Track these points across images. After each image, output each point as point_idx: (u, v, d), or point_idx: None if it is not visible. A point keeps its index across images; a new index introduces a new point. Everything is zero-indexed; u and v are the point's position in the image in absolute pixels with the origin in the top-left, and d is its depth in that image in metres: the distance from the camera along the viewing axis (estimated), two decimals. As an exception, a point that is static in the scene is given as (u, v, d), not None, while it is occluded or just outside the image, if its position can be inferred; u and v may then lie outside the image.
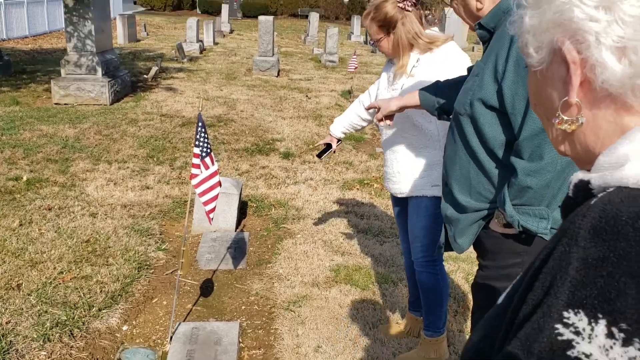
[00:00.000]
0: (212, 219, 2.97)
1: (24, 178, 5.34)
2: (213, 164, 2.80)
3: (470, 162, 1.83)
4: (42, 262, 3.59)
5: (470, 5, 1.75)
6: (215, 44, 20.26)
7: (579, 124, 0.69)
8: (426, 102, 2.24)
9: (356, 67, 11.22)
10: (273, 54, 13.35)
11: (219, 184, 2.81)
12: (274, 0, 41.79)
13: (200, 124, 2.75)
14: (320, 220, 4.72)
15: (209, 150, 2.78)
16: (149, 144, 6.83)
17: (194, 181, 2.78)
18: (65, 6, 8.48)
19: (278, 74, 13.23)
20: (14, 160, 5.92)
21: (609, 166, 0.64)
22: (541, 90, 0.74)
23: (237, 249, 4.16)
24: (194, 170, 2.77)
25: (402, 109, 2.34)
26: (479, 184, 1.83)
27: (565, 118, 0.70)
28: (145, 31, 23.21)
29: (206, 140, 2.77)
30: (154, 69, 11.85)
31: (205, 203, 2.82)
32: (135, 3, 39.84)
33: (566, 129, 0.71)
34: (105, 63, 8.95)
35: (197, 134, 2.76)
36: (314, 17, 24.06)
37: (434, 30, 2.63)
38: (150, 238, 4.17)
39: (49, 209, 4.60)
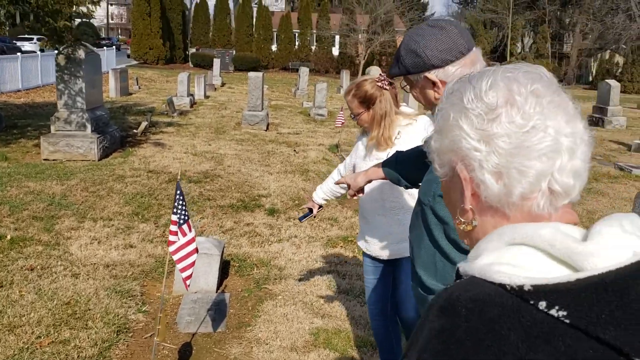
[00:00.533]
0: (189, 285, 3.00)
1: (8, 237, 5.36)
2: (190, 230, 2.86)
3: (435, 250, 1.86)
4: (21, 326, 3.58)
5: (428, 95, 1.80)
6: (207, 97, 20.61)
7: (473, 225, 0.86)
8: (390, 175, 2.33)
9: (343, 122, 11.44)
10: (262, 109, 13.60)
11: (196, 250, 2.86)
12: (265, 54, 42.75)
13: (178, 191, 2.82)
14: (302, 280, 4.74)
15: (186, 218, 2.85)
16: (135, 200, 6.88)
17: (172, 248, 2.83)
18: (57, 64, 8.68)
19: (267, 128, 13.44)
20: (-2, 218, 5.95)
21: (472, 258, 0.80)
22: (449, 195, 0.92)
23: (218, 310, 4.17)
24: (172, 237, 2.83)
25: (370, 181, 2.42)
26: (445, 271, 1.87)
27: (462, 220, 0.87)
28: (138, 85, 23.61)
29: (184, 207, 2.84)
30: (144, 124, 12.01)
31: (182, 270, 2.86)
32: (129, 57, 40.62)
33: (464, 228, 0.87)
34: (95, 119, 9.09)
35: (175, 201, 2.83)
36: (304, 71, 24.58)
37: (406, 107, 2.97)
38: (131, 300, 4.18)
39: (31, 269, 4.60)
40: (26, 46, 32.65)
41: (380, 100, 2.79)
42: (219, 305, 4.26)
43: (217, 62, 28.35)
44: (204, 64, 37.88)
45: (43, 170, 7.97)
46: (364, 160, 2.95)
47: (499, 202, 0.82)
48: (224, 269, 4.98)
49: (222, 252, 4.72)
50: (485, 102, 0.83)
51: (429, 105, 1.90)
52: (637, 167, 10.06)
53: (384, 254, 2.88)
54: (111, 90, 20.01)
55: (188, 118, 14.77)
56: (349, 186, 2.44)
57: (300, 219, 3.25)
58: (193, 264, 2.86)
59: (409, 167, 2.24)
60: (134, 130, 11.98)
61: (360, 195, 2.56)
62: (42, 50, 17.45)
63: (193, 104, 17.90)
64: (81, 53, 8.73)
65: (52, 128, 8.91)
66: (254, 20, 43.31)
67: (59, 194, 6.91)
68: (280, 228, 6.22)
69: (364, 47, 40.87)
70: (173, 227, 2.81)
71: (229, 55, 40.33)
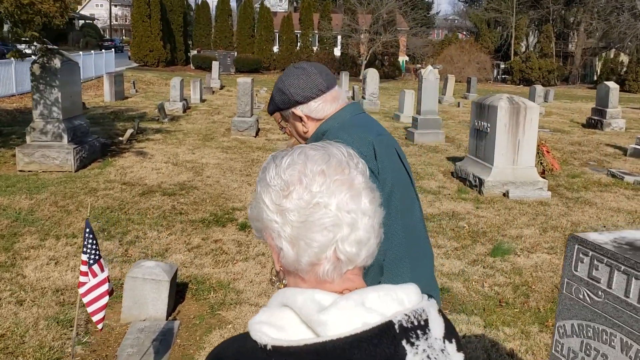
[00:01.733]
0: (102, 328, 2.80)
1: (-39, 258, 5.19)
2: (103, 270, 2.66)
3: None
4: (-57, 364, 3.40)
5: (298, 129, 1.97)
6: (203, 101, 20.44)
7: (284, 284, 0.99)
8: None
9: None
10: (252, 115, 13.41)
11: (108, 292, 2.67)
12: (267, 56, 42.56)
13: (87, 229, 2.63)
14: (258, 306, 4.54)
15: (97, 257, 2.65)
16: (104, 215, 6.70)
17: (81, 290, 2.64)
18: (32, 74, 8.52)
19: (257, 134, 13.25)
20: (-42, 236, 5.78)
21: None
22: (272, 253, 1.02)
23: (163, 341, 3.97)
24: (82, 278, 2.64)
25: None
26: None
27: (275, 279, 1.03)
28: (135, 88, 23.46)
29: (94, 246, 2.64)
30: (129, 131, 11.85)
31: (93, 313, 2.67)
32: (130, 58, 40.55)
33: (277, 286, 1.00)
34: (72, 129, 8.92)
35: (84, 239, 2.63)
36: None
37: None
38: (72, 330, 3.99)
39: (-25, 296, 4.43)
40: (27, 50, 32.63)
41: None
42: (165, 334, 4.06)
43: (215, 65, 28.16)
44: (205, 66, 37.72)
45: (15, 183, 7.81)
46: None
47: (293, 267, 0.95)
48: (181, 292, 4.79)
49: (175, 276, 4.52)
50: (282, 180, 0.95)
51: (300, 139, 2.04)
52: (629, 174, 9.78)
53: None
54: (105, 94, 19.88)
55: (178, 124, 14.60)
56: None
57: None
58: (105, 306, 2.67)
59: None
60: (120, 138, 11.82)
61: None
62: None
63: (187, 108, 17.73)
64: (57, 62, 8.56)
65: (28, 139, 8.75)
66: (256, 21, 43.13)
67: (26, 209, 6.74)
68: (249, 245, 6.01)
69: (366, 48, 40.60)
70: (83, 268, 2.61)
71: (231, 57, 40.18)
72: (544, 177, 8.92)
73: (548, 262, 5.81)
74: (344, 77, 25.81)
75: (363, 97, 20.01)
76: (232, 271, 5.27)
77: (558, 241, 6.47)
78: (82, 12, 68.76)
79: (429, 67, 13.51)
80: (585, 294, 2.36)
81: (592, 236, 2.44)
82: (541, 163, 9.37)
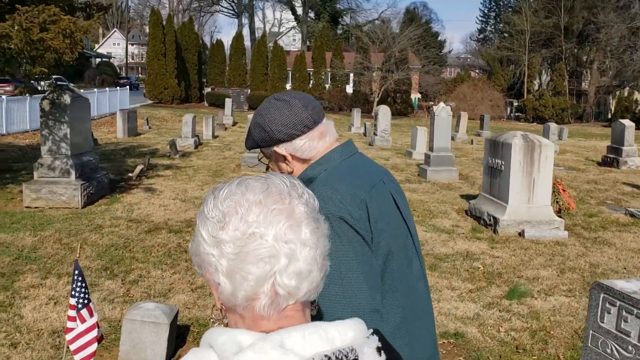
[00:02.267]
0: (88, 380, 2.61)
1: (-42, 297, 5.04)
2: (92, 316, 2.50)
3: None
4: None
5: (282, 168, 1.77)
6: (215, 137, 20.50)
7: (225, 323, 0.95)
8: None
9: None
10: (262, 151, 13.34)
11: (97, 339, 2.49)
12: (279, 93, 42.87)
13: (77, 271, 2.47)
14: (262, 351, 4.32)
15: (86, 302, 2.49)
16: (108, 254, 6.55)
17: (69, 336, 2.47)
18: (42, 110, 8.53)
19: (267, 169, 13.10)
20: (-42, 273, 5.65)
21: None
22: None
23: (160, 389, 3.76)
24: (70, 324, 2.47)
25: None
26: None
27: (215, 318, 1.03)
28: (148, 125, 23.64)
29: (83, 290, 2.48)
30: (139, 168, 11.80)
31: (79, 363, 2.48)
32: (144, 96, 41.10)
33: (217, 325, 0.97)
34: (80, 165, 8.87)
35: (73, 282, 2.47)
36: (314, 110, 24.44)
37: None
38: (64, 375, 3.79)
39: (-32, 338, 4.26)
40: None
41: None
42: (163, 382, 3.85)
43: (228, 102, 28.39)
44: (219, 103, 38.06)
45: (20, 220, 7.71)
46: None
47: (231, 303, 0.91)
48: (183, 335, 4.59)
49: (176, 318, 4.33)
50: (220, 211, 0.92)
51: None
52: (649, 214, 9.50)
53: None
54: (118, 131, 20.02)
55: (189, 160, 14.56)
56: None
57: None
58: (93, 354, 2.49)
59: None
60: (129, 174, 11.77)
61: None
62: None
63: (198, 144, 17.76)
64: (66, 98, 8.56)
65: (35, 174, 8.70)
66: (269, 59, 43.68)
67: (29, 247, 6.62)
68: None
69: (378, 85, 40.83)
70: (71, 312, 2.45)
71: (244, 95, 40.59)
72: (559, 216, 8.67)
73: (567, 306, 5.54)
74: (356, 113, 25.86)
75: (375, 134, 19.95)
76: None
77: (576, 283, 6.20)
78: (99, 50, 70.31)
79: (441, 104, 13.43)
80: (614, 349, 2.14)
81: (619, 284, 2.23)
82: (557, 202, 9.13)
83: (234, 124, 27.14)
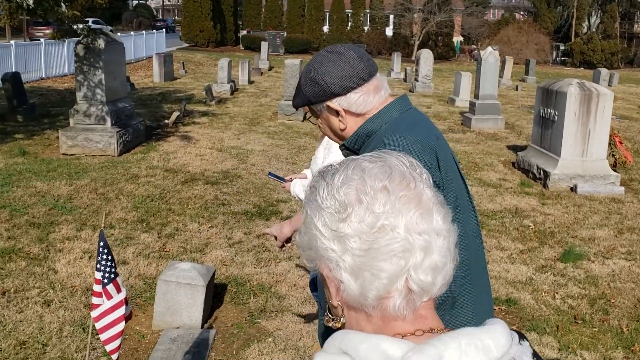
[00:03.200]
0: (117, 359, 2.41)
1: (-6, 249, 4.96)
2: (119, 291, 2.27)
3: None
4: (-44, 377, 3.12)
5: (333, 125, 1.65)
6: (251, 82, 20.11)
7: (342, 323, 0.86)
8: None
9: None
10: (299, 98, 12.95)
11: (124, 318, 2.27)
12: (317, 36, 41.94)
13: (102, 243, 2.23)
14: (302, 316, 4.11)
15: (112, 276, 2.25)
16: (144, 205, 6.40)
17: (94, 313, 2.25)
18: (76, 55, 8.29)
19: (304, 119, 12.74)
20: (-5, 224, 5.58)
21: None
22: (323, 290, 0.91)
23: (197, 354, 3.59)
24: (95, 300, 2.25)
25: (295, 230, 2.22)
26: None
27: (331, 317, 0.87)
28: (184, 69, 23.35)
29: (110, 262, 2.24)
30: (175, 114, 11.59)
31: (106, 342, 2.27)
32: (180, 39, 40.70)
33: (333, 325, 0.86)
34: (116, 112, 8.68)
35: (98, 254, 2.24)
36: (352, 54, 23.73)
37: None
38: (97, 339, 3.65)
39: (3, 294, 4.16)
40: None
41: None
42: (199, 346, 3.69)
43: (264, 46, 27.80)
44: (255, 47, 37.41)
45: (55, 168, 7.61)
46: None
47: (357, 302, 0.82)
48: (219, 294, 4.41)
49: (212, 279, 4.13)
50: (337, 200, 0.82)
51: (335, 137, 1.73)
52: None
53: None
54: (155, 75, 19.80)
55: (225, 107, 14.29)
56: (275, 237, 2.28)
57: (270, 174, 3.20)
58: (120, 334, 2.27)
59: None
60: (166, 121, 11.58)
61: (288, 245, 2.50)
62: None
63: (234, 90, 17.42)
64: (101, 42, 8.29)
65: (71, 121, 8.56)
66: (306, 1, 42.47)
67: (65, 196, 6.51)
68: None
69: (419, 27, 39.42)
70: (97, 287, 2.22)
71: (280, 38, 39.74)
72: (615, 171, 8.14)
73: (627, 271, 5.15)
74: (396, 58, 24.99)
75: (416, 79, 19.26)
76: (274, 272, 4.85)
77: (636, 245, 5.79)
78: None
79: (489, 49, 12.69)
80: None
81: None
82: (613, 155, 8.57)
83: (270, 68, 26.62)
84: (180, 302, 3.89)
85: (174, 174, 7.64)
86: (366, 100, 1.59)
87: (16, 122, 10.70)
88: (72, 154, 8.38)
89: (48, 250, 5.06)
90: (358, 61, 1.59)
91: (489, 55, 12.47)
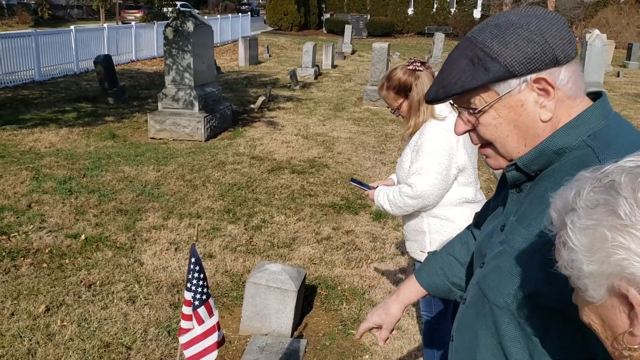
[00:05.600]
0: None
1: (82, 237, 4.89)
2: (211, 315, 1.96)
3: None
4: (40, 380, 2.97)
5: (529, 113, 1.10)
6: (334, 66, 19.78)
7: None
8: (438, 289, 1.63)
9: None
10: (387, 83, 12.45)
11: (217, 345, 1.97)
12: (400, 19, 40.92)
13: (193, 259, 1.93)
14: (400, 330, 3.72)
15: (204, 297, 1.95)
16: (230, 193, 6.21)
17: (183, 339, 1.96)
18: (165, 38, 8.21)
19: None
20: (84, 209, 5.54)
21: None
22: (602, 318, 0.77)
23: (286, 367, 3.30)
24: (184, 324, 1.96)
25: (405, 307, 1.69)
26: None
27: (628, 346, 0.74)
28: (268, 53, 23.32)
29: (202, 282, 1.94)
30: (261, 99, 11.42)
31: (196, 373, 1.98)
32: (265, 22, 40.91)
33: (629, 355, 0.75)
34: (204, 97, 8.57)
35: (189, 272, 1.94)
36: (439, 37, 22.85)
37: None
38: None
39: (89, 286, 4.04)
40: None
41: (416, 85, 2.55)
42: (289, 357, 3.39)
43: (348, 29, 27.29)
44: (338, 30, 37.00)
45: (144, 152, 7.58)
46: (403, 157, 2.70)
47: None
48: (308, 297, 4.11)
49: (303, 282, 3.82)
50: None
51: (505, 148, 1.14)
52: None
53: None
54: (240, 59, 19.84)
55: (309, 92, 14.02)
56: (379, 326, 1.67)
57: (352, 181, 2.91)
58: (212, 363, 1.97)
59: (463, 264, 1.57)
60: (251, 106, 11.45)
61: (394, 333, 2.01)
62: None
63: (318, 75, 17.14)
64: (190, 25, 8.16)
65: (160, 105, 8.52)
66: (391, -18, 41.47)
67: (152, 182, 6.43)
68: (384, 240, 5.20)
69: (510, 9, 37.54)
70: (186, 310, 1.93)
71: (363, 20, 39.07)
72: None
73: None
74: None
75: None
76: (367, 275, 4.49)
77: None
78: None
79: (596, 32, 11.67)
80: None
81: None
82: None
83: (353, 52, 26.15)
84: (269, 307, 3.61)
85: (260, 162, 7.42)
86: (577, 85, 1.08)
87: (107, 105, 10.89)
88: (160, 138, 8.36)
89: (134, 240, 4.94)
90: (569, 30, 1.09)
91: (596, 38, 11.46)
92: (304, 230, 5.37)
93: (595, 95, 1.14)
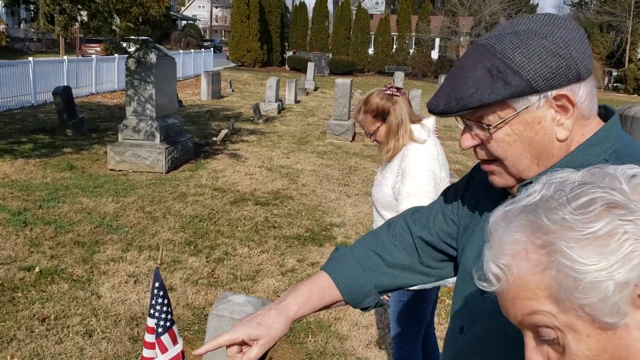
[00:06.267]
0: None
1: (37, 269, 4.68)
2: (175, 343, 1.87)
3: None
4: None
5: (545, 132, 1.01)
6: (297, 102, 19.93)
7: None
8: (353, 292, 1.31)
9: (436, 131, 10.18)
10: (349, 118, 12.59)
11: (182, 375, 1.87)
12: (361, 58, 41.76)
13: (157, 283, 1.84)
14: (367, 360, 3.65)
15: (168, 324, 1.86)
16: (191, 225, 6.08)
17: (146, 368, 1.85)
18: (127, 69, 8.12)
19: (353, 139, 12.41)
20: (39, 241, 5.33)
21: None
22: (610, 345, 0.66)
23: (251, 402, 3.17)
24: (146, 353, 1.85)
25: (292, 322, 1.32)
26: None
27: None
28: (231, 87, 23.36)
29: (165, 308, 1.85)
30: (223, 132, 11.36)
31: (160, 404, 1.87)
32: (228, 59, 41.11)
33: None
34: (165, 128, 8.46)
35: (152, 297, 1.85)
36: (399, 75, 23.43)
37: (423, 124, 2.68)
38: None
39: (43, 320, 3.84)
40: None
41: (394, 109, 2.61)
42: (254, 392, 3.26)
43: (311, 66, 27.66)
44: (300, 67, 37.47)
45: (103, 184, 7.39)
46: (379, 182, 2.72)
47: None
48: (273, 330, 3.99)
49: (268, 314, 3.72)
50: None
51: (517, 167, 1.04)
52: None
53: None
54: (202, 93, 19.79)
55: (273, 125, 14.04)
56: (251, 342, 1.24)
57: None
58: (176, 394, 1.87)
59: (390, 265, 1.33)
60: (214, 138, 11.37)
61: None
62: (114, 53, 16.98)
63: (281, 109, 17.21)
64: (152, 57, 8.11)
65: (120, 136, 8.36)
66: (352, 23, 42.44)
67: (111, 214, 6.25)
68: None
69: (466, 51, 38.81)
70: (148, 337, 1.83)
71: (325, 59, 39.71)
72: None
73: None
74: (442, 79, 24.45)
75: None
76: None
77: None
78: (185, 13, 71.24)
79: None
80: None
81: None
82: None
83: (316, 88, 26.45)
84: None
85: (222, 193, 7.32)
86: (592, 103, 1.01)
87: (65, 136, 10.63)
88: (120, 170, 8.17)
89: (92, 272, 4.75)
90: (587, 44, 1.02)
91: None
92: (268, 263, 5.28)
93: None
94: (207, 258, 5.27)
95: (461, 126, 1.10)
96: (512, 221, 0.71)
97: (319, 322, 4.14)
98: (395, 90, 2.65)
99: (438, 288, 2.78)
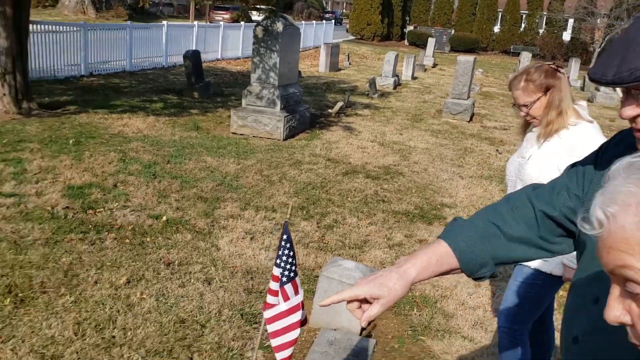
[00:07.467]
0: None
1: (164, 218, 5.08)
2: (297, 293, 1.99)
3: None
4: (120, 345, 3.09)
5: None
6: (414, 78, 19.66)
7: None
8: (469, 261, 1.30)
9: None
10: (468, 97, 12.25)
11: (300, 323, 1.99)
12: (486, 36, 40.20)
13: (285, 236, 1.96)
14: (474, 341, 3.64)
15: (292, 275, 1.98)
16: (305, 192, 6.28)
17: (267, 314, 2.00)
18: (255, 36, 8.42)
19: (470, 119, 12.08)
20: (166, 193, 5.75)
21: None
22: None
23: (354, 364, 3.29)
24: (270, 299, 1.99)
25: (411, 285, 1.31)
26: None
27: None
28: (349, 61, 23.47)
29: (291, 260, 1.97)
30: (339, 104, 11.50)
31: (277, 349, 2.01)
32: (347, 31, 41.21)
33: None
34: (285, 97, 8.72)
35: (279, 248, 1.97)
36: (526, 56, 22.32)
37: (580, 105, 2.63)
38: (256, 328, 3.49)
39: (168, 265, 4.18)
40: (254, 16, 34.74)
41: (560, 84, 2.52)
42: (358, 355, 3.38)
43: (431, 42, 27.10)
44: (420, 43, 36.81)
45: (225, 145, 7.79)
46: (516, 156, 2.77)
47: None
48: (379, 299, 4.07)
49: (376, 283, 3.80)
50: None
51: None
52: None
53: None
54: (321, 65, 20.07)
55: (387, 100, 13.98)
56: (371, 300, 1.28)
57: None
58: (294, 342, 2.00)
59: (510, 238, 1.33)
60: (329, 110, 11.54)
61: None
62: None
63: (397, 85, 17.08)
64: (279, 26, 8.34)
65: (243, 102, 8.73)
66: (479, -1, 40.85)
67: (232, 174, 6.59)
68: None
69: (602, 34, 36.09)
70: (273, 285, 1.97)
71: (447, 35, 38.65)
72: None
73: None
74: (574, 64, 23.00)
75: (597, 89, 17.51)
76: (439, 285, 4.41)
77: None
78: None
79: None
80: None
81: None
82: None
83: (434, 65, 25.90)
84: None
85: (335, 164, 7.47)
86: None
87: (192, 98, 11.27)
88: (241, 134, 8.57)
89: (212, 226, 5.08)
90: None
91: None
92: (375, 235, 5.35)
93: None
94: (317, 224, 5.44)
95: (620, 95, 1.09)
96: (633, 173, 0.71)
97: (425, 297, 4.17)
98: (560, 66, 2.61)
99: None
